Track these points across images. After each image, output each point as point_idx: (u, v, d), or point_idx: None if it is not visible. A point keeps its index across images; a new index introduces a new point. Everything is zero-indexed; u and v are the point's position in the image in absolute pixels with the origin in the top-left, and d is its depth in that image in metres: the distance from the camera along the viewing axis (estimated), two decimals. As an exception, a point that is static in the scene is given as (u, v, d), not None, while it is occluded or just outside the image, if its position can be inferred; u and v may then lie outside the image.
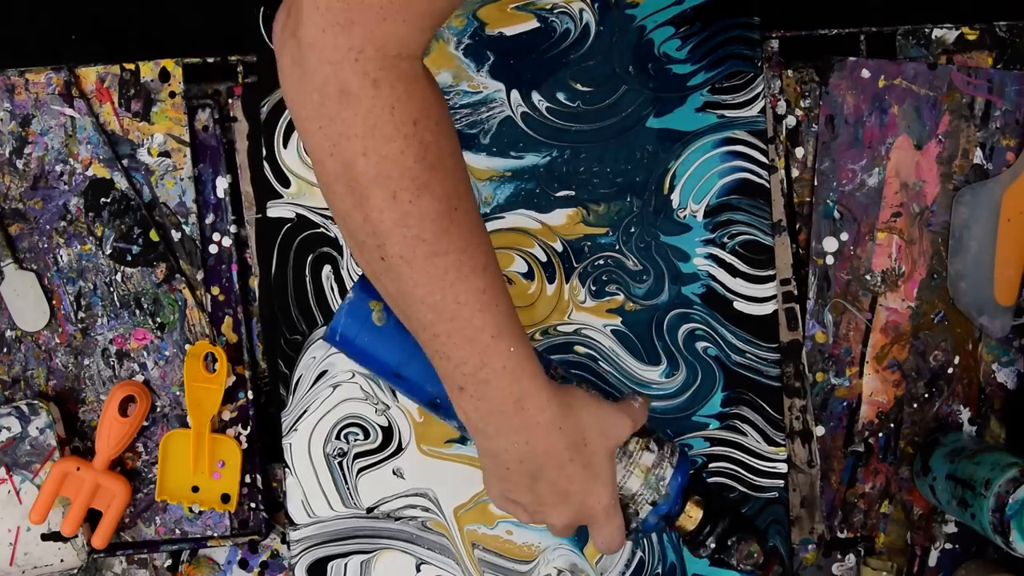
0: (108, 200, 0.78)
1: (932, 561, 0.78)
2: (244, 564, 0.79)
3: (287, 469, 0.76)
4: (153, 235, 0.78)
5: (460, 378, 0.51)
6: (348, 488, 0.76)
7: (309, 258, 0.76)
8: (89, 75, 0.78)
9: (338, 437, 0.76)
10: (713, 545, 0.60)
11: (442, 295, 0.48)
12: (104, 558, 0.79)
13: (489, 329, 0.50)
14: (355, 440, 0.76)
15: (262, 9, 0.77)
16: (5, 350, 0.78)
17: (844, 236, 0.78)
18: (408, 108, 0.46)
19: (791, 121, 0.78)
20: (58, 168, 0.78)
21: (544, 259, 0.76)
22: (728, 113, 0.76)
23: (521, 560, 0.76)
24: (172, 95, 0.78)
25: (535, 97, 0.76)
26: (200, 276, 0.78)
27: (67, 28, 0.81)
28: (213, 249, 0.78)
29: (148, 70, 0.78)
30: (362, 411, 0.76)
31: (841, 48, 0.79)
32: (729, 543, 0.60)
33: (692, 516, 0.59)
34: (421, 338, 0.51)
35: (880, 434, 0.78)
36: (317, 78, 0.46)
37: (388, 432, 0.76)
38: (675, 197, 0.76)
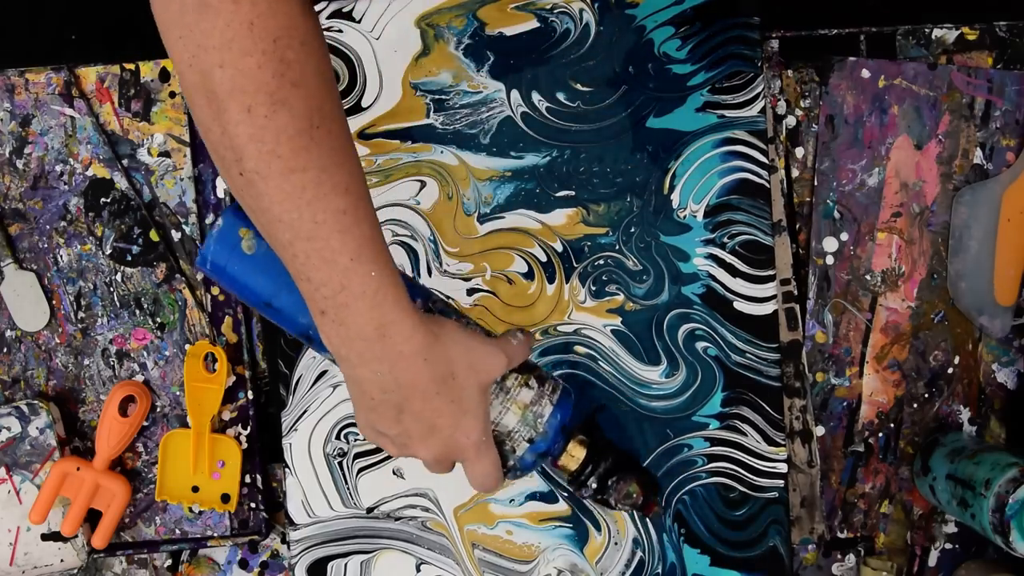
0: (108, 200, 0.78)
1: (932, 561, 0.78)
2: (244, 564, 0.79)
3: (287, 469, 0.76)
4: (153, 235, 0.78)
5: (321, 301, 0.50)
6: (348, 488, 0.76)
7: (309, 258, 0.76)
8: (89, 75, 0.78)
9: (338, 437, 0.76)
10: (594, 485, 0.59)
11: (299, 213, 0.48)
12: (104, 558, 0.79)
13: (348, 251, 0.49)
14: (355, 440, 0.76)
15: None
16: (5, 350, 0.78)
17: (844, 236, 0.78)
18: (269, 25, 0.46)
19: (791, 121, 0.78)
20: (58, 168, 0.78)
21: (544, 259, 0.76)
22: (728, 113, 0.76)
23: (521, 560, 0.76)
24: (172, 95, 0.78)
25: (535, 97, 0.76)
26: (200, 276, 0.78)
27: (67, 28, 0.81)
28: (213, 249, 0.78)
29: (148, 70, 0.78)
30: (362, 411, 0.76)
31: (841, 48, 0.79)
32: (609, 483, 0.59)
33: (574, 456, 0.59)
34: (284, 259, 0.50)
35: (880, 434, 0.78)
36: None
37: (388, 432, 0.76)
38: (675, 197, 0.76)
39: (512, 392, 0.57)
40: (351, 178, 0.49)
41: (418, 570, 0.76)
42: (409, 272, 0.76)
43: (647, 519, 0.61)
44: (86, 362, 0.78)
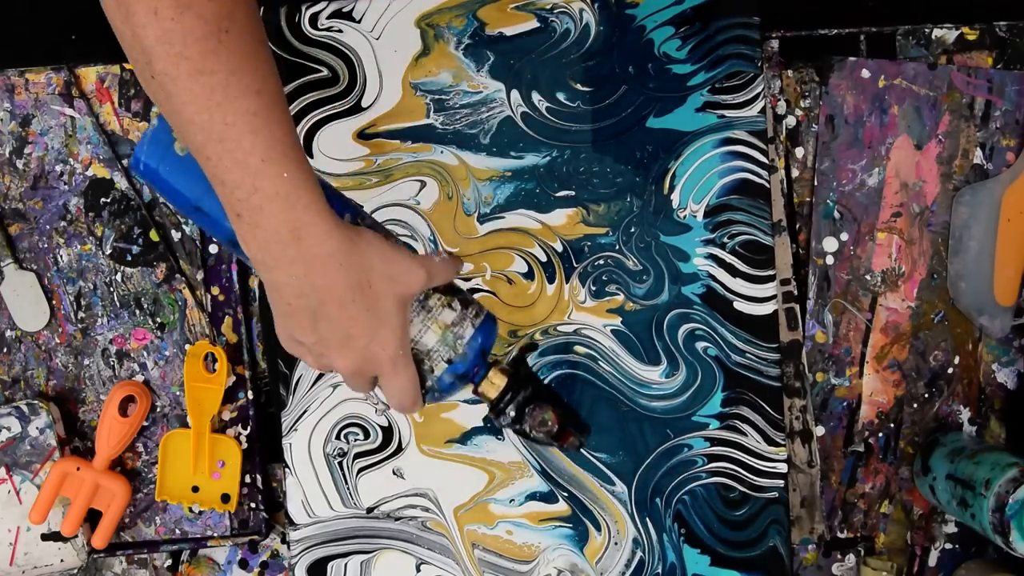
0: (108, 200, 0.78)
1: (932, 561, 0.78)
2: (244, 564, 0.79)
3: (287, 469, 0.76)
4: (153, 235, 0.78)
5: (236, 204, 0.50)
6: (348, 488, 0.76)
7: (309, 258, 0.76)
8: (89, 75, 0.78)
9: (338, 437, 0.76)
10: (512, 414, 0.59)
11: (209, 115, 0.48)
12: (104, 558, 0.79)
13: (259, 152, 0.49)
14: (355, 440, 0.76)
15: (262, 9, 0.77)
16: (5, 350, 0.78)
17: (844, 236, 0.78)
18: None
19: (791, 121, 0.78)
20: (58, 168, 0.78)
21: (544, 259, 0.76)
22: (728, 113, 0.76)
23: (521, 560, 0.76)
24: (172, 95, 0.78)
25: (535, 97, 0.76)
26: (200, 276, 0.78)
27: (67, 28, 0.81)
28: (213, 249, 0.78)
29: (148, 70, 0.78)
30: (362, 411, 0.76)
31: (841, 48, 0.79)
32: (527, 411, 0.59)
33: (495, 383, 0.59)
34: (200, 162, 0.51)
35: (880, 434, 0.78)
36: None
37: (388, 432, 0.76)
38: (675, 197, 0.76)
39: (434, 311, 0.56)
40: (262, 81, 0.50)
41: (418, 570, 0.76)
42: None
43: (567, 450, 0.62)
44: (86, 362, 0.78)
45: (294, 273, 0.51)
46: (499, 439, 0.76)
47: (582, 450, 0.75)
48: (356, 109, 0.76)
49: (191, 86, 0.48)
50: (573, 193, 0.76)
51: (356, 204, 0.58)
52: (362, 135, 0.76)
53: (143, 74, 0.49)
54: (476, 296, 0.76)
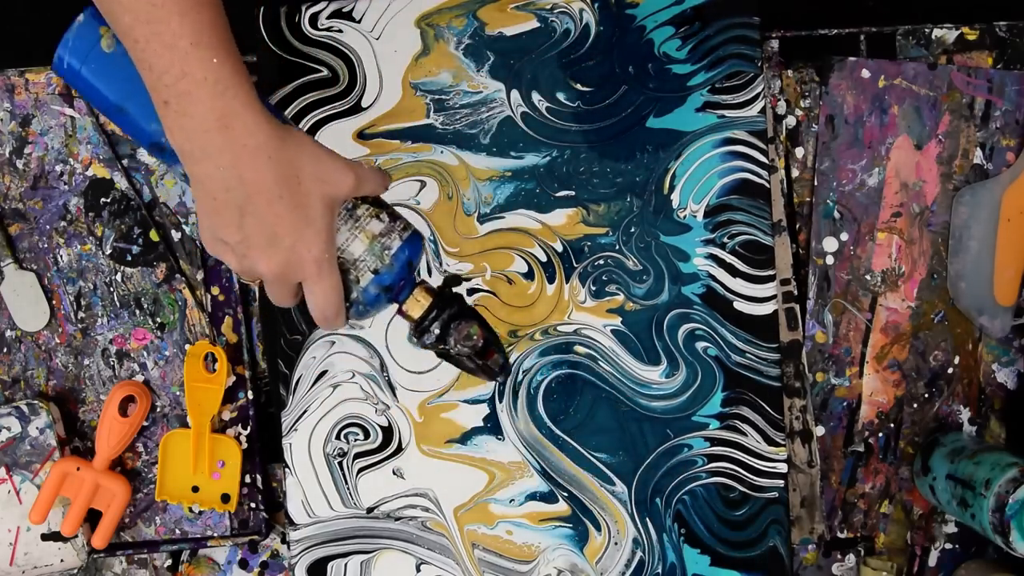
0: (108, 200, 0.78)
1: (932, 561, 0.78)
2: (244, 564, 0.79)
3: (287, 469, 0.76)
4: (153, 235, 0.78)
5: (163, 90, 0.49)
6: (348, 488, 0.76)
7: (309, 258, 0.76)
8: (89, 75, 0.78)
9: (338, 437, 0.76)
10: (437, 331, 0.59)
11: None
12: (104, 558, 0.79)
13: (188, 36, 0.48)
14: (355, 440, 0.76)
15: (262, 9, 0.77)
16: (5, 350, 0.78)
17: (844, 236, 0.78)
18: None
19: (791, 121, 0.78)
20: (58, 168, 0.78)
21: (544, 259, 0.76)
22: (728, 113, 0.76)
23: (521, 560, 0.76)
24: (172, 95, 0.78)
25: (535, 97, 0.76)
26: (200, 276, 0.78)
27: (67, 28, 0.81)
28: (213, 249, 0.78)
29: (148, 70, 0.78)
30: (362, 411, 0.76)
31: (841, 48, 0.79)
32: (451, 327, 0.59)
33: (420, 301, 0.59)
34: (128, 48, 0.50)
35: (880, 434, 0.78)
36: None
37: (388, 432, 0.76)
38: (675, 197, 0.76)
39: (362, 221, 0.56)
40: None
41: (418, 570, 0.76)
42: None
43: (494, 377, 0.62)
44: (86, 362, 0.78)
45: (221, 164, 0.50)
46: (499, 439, 0.76)
47: (582, 450, 0.75)
48: (356, 109, 0.76)
49: None
50: (573, 193, 0.76)
51: (285, 116, 0.57)
52: (362, 135, 0.76)
53: None
54: (477, 296, 0.76)
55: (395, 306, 0.60)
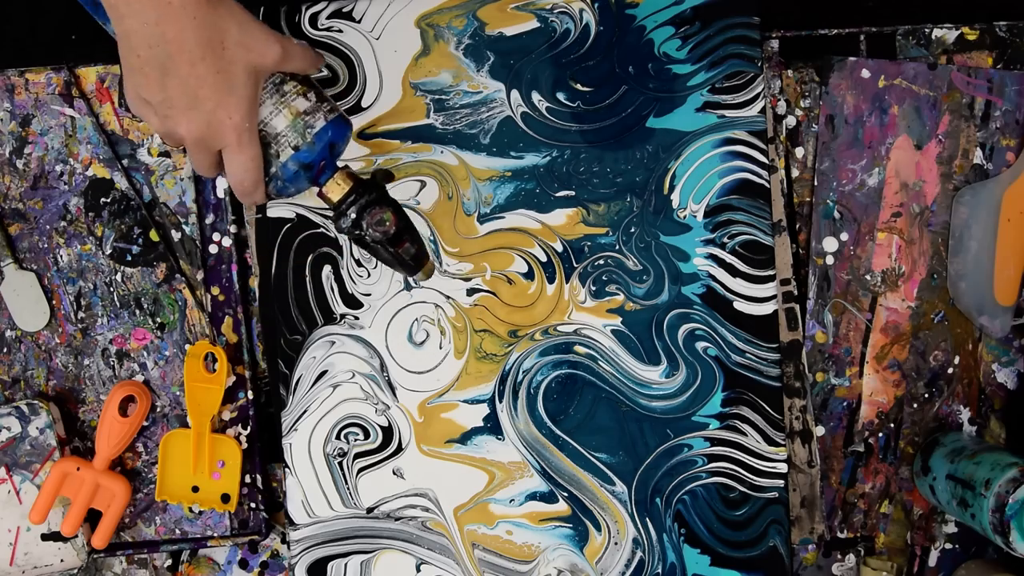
0: (108, 200, 0.78)
1: (932, 561, 0.78)
2: (244, 564, 0.79)
3: (287, 469, 0.76)
4: (153, 235, 0.78)
5: None
6: (348, 488, 0.76)
7: (309, 258, 0.76)
8: (89, 75, 0.78)
9: (338, 437, 0.76)
10: (353, 216, 0.59)
11: None
12: (104, 558, 0.79)
13: None
14: (355, 440, 0.76)
15: (262, 9, 0.77)
16: (5, 350, 0.78)
17: (844, 236, 0.78)
18: None
19: (791, 121, 0.78)
20: (58, 168, 0.78)
21: (544, 259, 0.76)
22: (728, 113, 0.76)
23: (521, 560, 0.76)
24: (172, 95, 0.78)
25: (535, 97, 0.76)
26: (200, 276, 0.78)
27: (67, 28, 0.81)
28: (213, 249, 0.78)
29: (148, 70, 0.78)
30: (362, 411, 0.76)
31: (841, 48, 0.79)
32: (366, 212, 0.59)
33: (340, 185, 0.59)
34: None
35: (880, 434, 0.78)
36: None
37: (388, 432, 0.76)
38: (675, 197, 0.76)
39: (288, 96, 0.56)
40: None
41: (418, 570, 0.76)
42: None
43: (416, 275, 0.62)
44: (86, 362, 0.78)
45: (146, 20, 0.50)
46: (499, 439, 0.76)
47: (582, 450, 0.75)
48: (356, 109, 0.76)
49: None
50: (573, 193, 0.76)
51: None
52: (362, 135, 0.76)
53: None
54: (477, 296, 0.76)
55: (316, 189, 0.60)
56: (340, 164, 0.60)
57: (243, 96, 0.53)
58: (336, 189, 0.59)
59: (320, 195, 0.60)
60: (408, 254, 0.61)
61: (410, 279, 0.65)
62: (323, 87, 0.76)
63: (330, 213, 0.73)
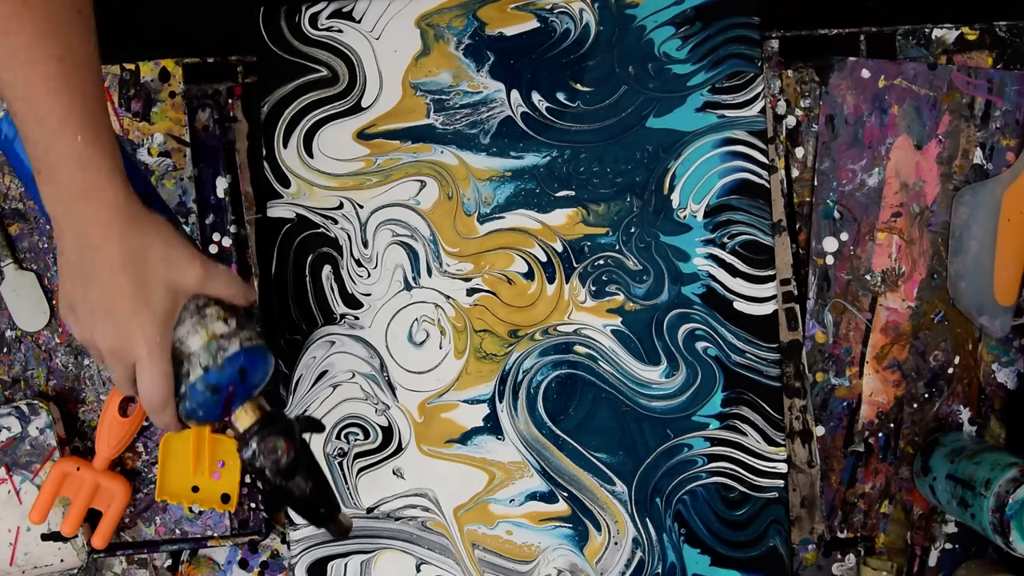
0: (108, 200, 0.78)
1: (932, 561, 0.78)
2: (244, 564, 0.79)
3: (287, 469, 0.76)
4: (153, 235, 0.78)
5: (36, 160, 0.53)
6: (348, 488, 0.76)
7: (309, 258, 0.76)
8: (89, 75, 0.78)
9: (338, 437, 0.76)
10: (254, 446, 0.58)
11: (14, 74, 0.52)
12: (104, 558, 0.79)
13: (56, 114, 0.52)
14: (355, 440, 0.76)
15: (262, 9, 0.77)
16: (5, 350, 0.78)
17: (844, 236, 0.78)
18: None
19: (791, 121, 0.78)
20: (58, 168, 0.78)
21: (544, 259, 0.76)
22: (728, 113, 0.76)
23: (521, 560, 0.76)
24: (172, 95, 0.78)
25: (535, 97, 0.76)
26: (200, 276, 0.78)
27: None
28: (213, 249, 0.78)
29: (148, 70, 0.78)
30: (362, 411, 0.76)
31: (841, 48, 0.79)
32: (266, 441, 0.58)
33: (247, 414, 0.58)
34: (13, 119, 0.54)
35: (880, 434, 0.78)
36: None
37: (388, 432, 0.76)
38: (675, 197, 0.76)
39: (207, 319, 0.57)
40: (67, 48, 0.53)
41: (418, 570, 0.76)
42: (409, 273, 0.76)
43: None
44: (86, 362, 0.78)
45: (78, 231, 0.54)
46: (499, 439, 0.76)
47: (582, 450, 0.75)
48: (356, 109, 0.76)
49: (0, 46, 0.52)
50: (573, 193, 0.76)
51: (159, 197, 0.61)
52: (362, 135, 0.76)
53: None
54: (477, 296, 0.76)
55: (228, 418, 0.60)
56: (255, 394, 0.59)
57: (158, 311, 0.55)
58: (243, 418, 0.59)
59: (228, 423, 0.59)
60: (299, 489, 0.59)
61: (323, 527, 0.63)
62: (321, 86, 0.76)
63: (331, 214, 0.74)
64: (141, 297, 0.54)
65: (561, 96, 0.76)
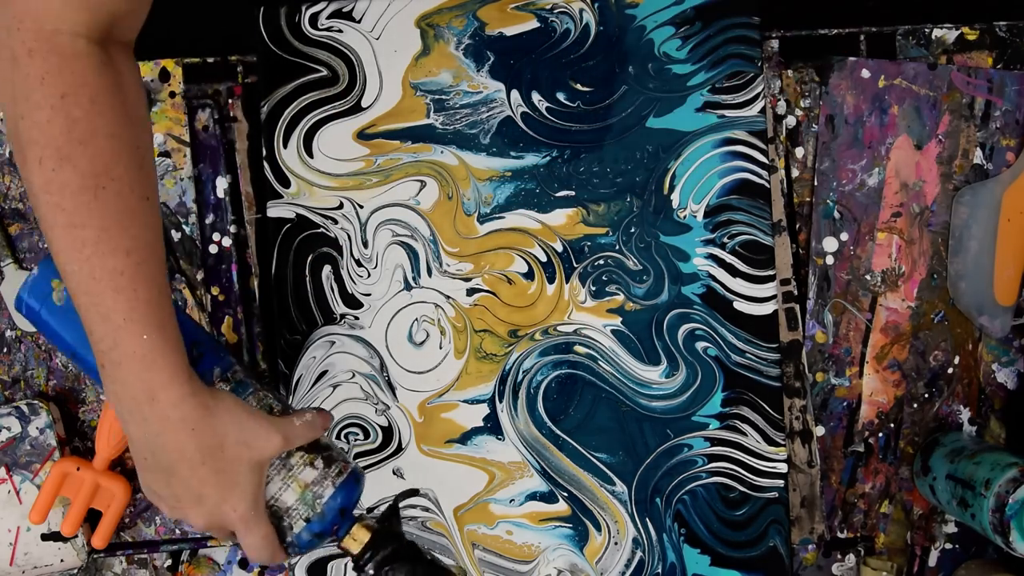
0: (108, 200, 0.78)
1: (932, 561, 0.78)
2: (244, 564, 0.79)
3: (287, 469, 0.76)
4: (153, 235, 0.78)
5: (100, 355, 0.52)
6: (348, 488, 0.76)
7: (309, 258, 0.76)
8: (89, 75, 0.78)
9: (338, 437, 0.76)
10: (371, 572, 0.59)
11: (79, 267, 0.50)
12: (104, 558, 0.79)
13: (121, 311, 0.51)
14: (355, 440, 0.76)
15: (262, 9, 0.77)
16: (5, 350, 0.78)
17: (844, 236, 0.78)
18: (57, 81, 0.49)
19: (791, 121, 0.78)
20: (58, 168, 0.78)
21: (544, 259, 0.76)
22: (728, 113, 0.76)
23: (521, 560, 0.76)
24: (172, 95, 0.78)
25: (535, 97, 0.76)
26: (200, 276, 0.78)
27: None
28: (213, 249, 0.78)
29: (148, 70, 0.78)
30: (362, 411, 0.76)
31: (841, 48, 0.79)
32: (385, 570, 0.59)
33: (357, 540, 0.59)
34: (75, 306, 0.53)
35: (880, 434, 0.78)
36: None
37: (388, 432, 0.76)
38: (675, 197, 0.76)
39: (295, 470, 0.57)
40: (133, 240, 0.51)
41: (418, 570, 0.76)
42: (409, 273, 0.76)
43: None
44: (86, 362, 0.78)
45: (147, 432, 0.53)
46: (499, 439, 0.76)
47: (582, 450, 0.75)
48: (356, 109, 0.76)
49: (65, 237, 0.50)
50: (573, 193, 0.76)
51: (230, 359, 0.59)
52: (362, 135, 0.76)
53: (34, 213, 0.52)
54: (477, 296, 0.76)
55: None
56: (356, 514, 0.60)
57: (246, 489, 0.55)
58: (354, 544, 0.59)
59: (339, 547, 0.60)
60: None
61: None
62: (321, 86, 0.76)
63: (331, 214, 0.74)
64: (227, 483, 0.54)
65: (561, 96, 0.76)
